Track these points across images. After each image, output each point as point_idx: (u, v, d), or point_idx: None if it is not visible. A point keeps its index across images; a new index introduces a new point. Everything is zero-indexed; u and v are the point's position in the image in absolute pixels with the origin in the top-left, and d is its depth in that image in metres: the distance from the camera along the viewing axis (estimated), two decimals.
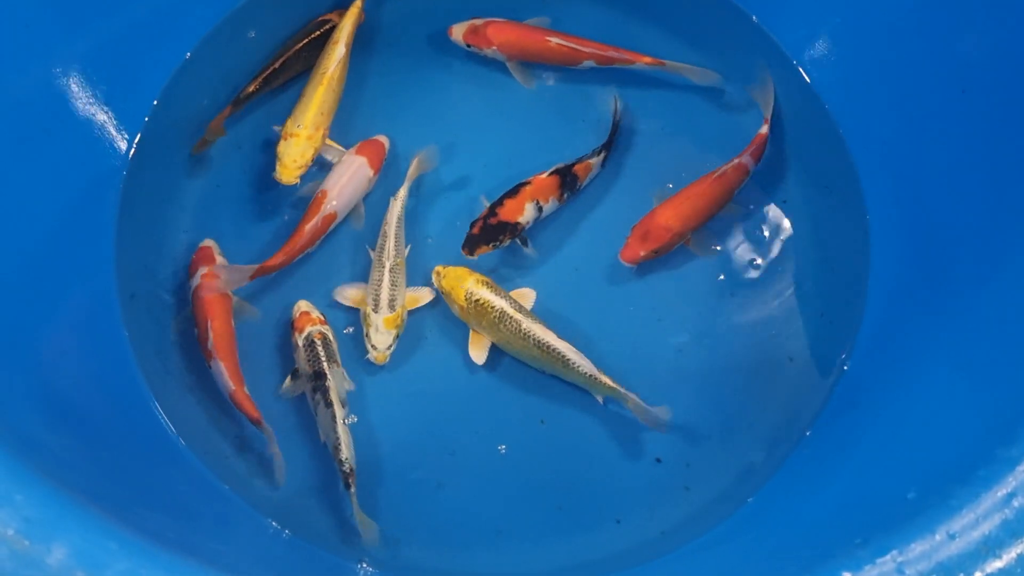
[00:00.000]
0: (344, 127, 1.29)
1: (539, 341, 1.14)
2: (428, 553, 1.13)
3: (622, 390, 1.14)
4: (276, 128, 1.26)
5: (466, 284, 1.17)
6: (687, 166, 1.28)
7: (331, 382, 1.13)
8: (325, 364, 1.13)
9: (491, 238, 1.19)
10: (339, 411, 1.12)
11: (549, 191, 1.22)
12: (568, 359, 1.14)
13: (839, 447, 1.11)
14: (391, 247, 1.20)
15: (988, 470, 0.81)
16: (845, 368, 1.20)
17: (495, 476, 1.16)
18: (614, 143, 1.28)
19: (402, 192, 1.23)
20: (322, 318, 1.18)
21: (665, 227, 1.20)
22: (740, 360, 1.21)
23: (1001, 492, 0.79)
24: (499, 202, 1.21)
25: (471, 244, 1.19)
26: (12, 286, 1.06)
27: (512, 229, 1.20)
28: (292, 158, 1.21)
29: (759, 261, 1.25)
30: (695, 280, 1.24)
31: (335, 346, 1.16)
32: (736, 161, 1.23)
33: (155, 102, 1.28)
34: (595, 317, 1.22)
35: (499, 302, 1.16)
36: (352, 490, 1.09)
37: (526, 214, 1.20)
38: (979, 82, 1.13)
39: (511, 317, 1.16)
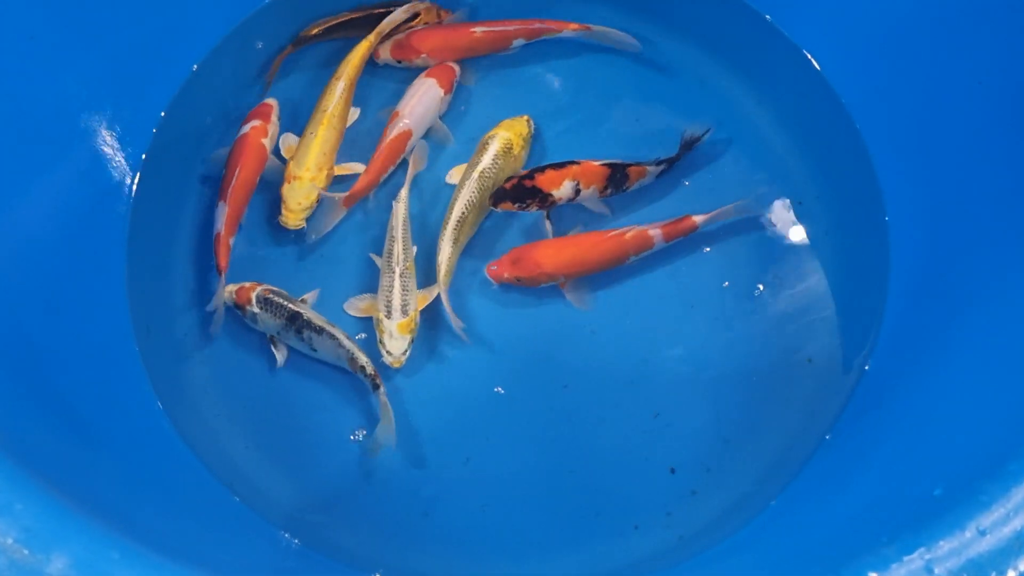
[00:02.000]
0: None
1: (451, 206, 1.20)
2: (444, 562, 1.11)
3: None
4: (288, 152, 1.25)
5: (501, 131, 1.24)
6: (721, 178, 1.28)
7: (308, 314, 1.14)
8: (292, 304, 1.15)
9: (519, 198, 1.19)
10: (332, 329, 1.14)
11: (593, 179, 1.21)
12: (440, 246, 1.18)
13: (863, 446, 1.09)
14: (399, 251, 1.18)
15: (1019, 464, 0.79)
16: (866, 368, 1.17)
17: (511, 484, 1.14)
18: (679, 160, 1.25)
19: (403, 193, 1.22)
20: (255, 283, 1.18)
21: (536, 263, 1.17)
22: (759, 362, 1.19)
23: None
24: (541, 169, 1.20)
25: (497, 196, 1.19)
26: (20, 296, 1.05)
27: (543, 198, 1.19)
28: (296, 201, 1.19)
29: (777, 262, 1.23)
30: (713, 281, 1.22)
31: (286, 292, 1.18)
32: (643, 229, 1.19)
33: (163, 114, 1.28)
34: (612, 317, 1.21)
35: (485, 160, 1.22)
36: (381, 388, 1.12)
37: (562, 190, 1.19)
38: (996, 73, 1.11)
39: (471, 175, 1.21)
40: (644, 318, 1.21)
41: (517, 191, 1.19)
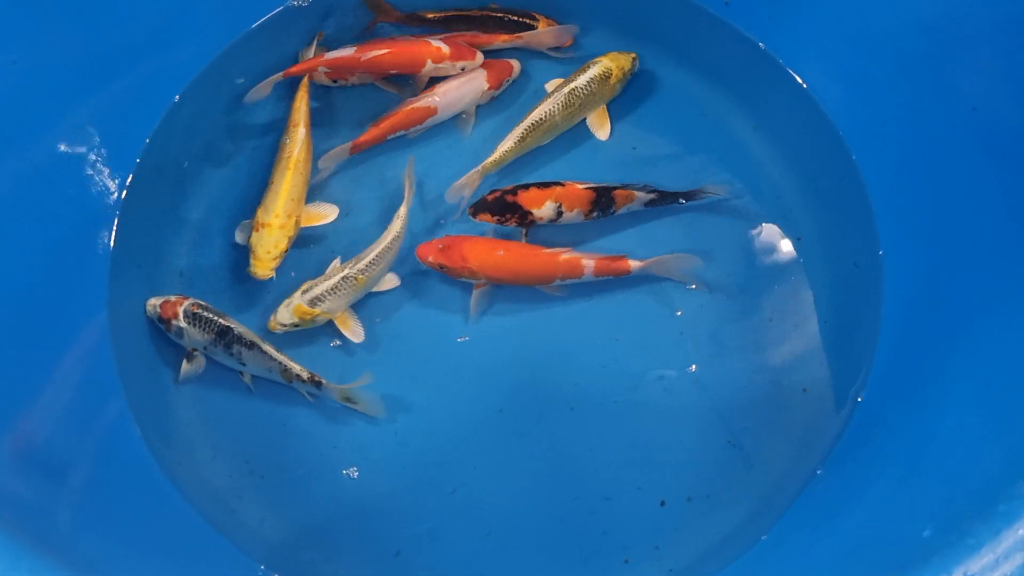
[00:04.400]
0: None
1: (532, 109, 1.26)
2: None
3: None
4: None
5: (604, 59, 1.29)
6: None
7: (238, 328, 1.14)
8: (222, 320, 1.15)
9: (497, 211, 1.20)
10: (261, 343, 1.14)
11: (577, 202, 1.21)
12: (504, 138, 1.24)
13: (854, 481, 1.07)
14: (367, 260, 1.18)
15: (1008, 505, 0.77)
16: (859, 399, 1.16)
17: (498, 517, 1.12)
18: (674, 200, 1.24)
19: (403, 210, 1.21)
20: (183, 296, 1.17)
21: (462, 256, 1.17)
22: (754, 392, 1.17)
23: (1023, 529, 0.74)
24: (526, 186, 1.21)
25: (478, 206, 1.21)
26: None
27: (523, 215, 1.20)
28: (266, 249, 1.17)
29: (773, 291, 1.22)
30: (708, 309, 1.21)
31: (212, 306, 1.17)
32: (578, 257, 1.18)
33: (147, 141, 1.27)
34: (605, 346, 1.19)
35: (580, 80, 1.27)
36: (324, 383, 1.13)
37: (543, 210, 1.20)
38: (989, 100, 1.10)
39: (561, 90, 1.26)
40: (635, 347, 1.19)
41: (498, 204, 1.20)
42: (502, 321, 1.20)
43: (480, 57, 1.30)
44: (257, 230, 1.18)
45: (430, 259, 1.18)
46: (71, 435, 1.05)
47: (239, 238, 1.22)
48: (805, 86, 1.31)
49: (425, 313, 1.21)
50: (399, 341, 1.19)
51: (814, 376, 1.18)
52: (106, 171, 1.23)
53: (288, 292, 1.18)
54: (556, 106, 1.25)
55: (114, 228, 1.23)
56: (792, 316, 1.21)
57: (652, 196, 1.22)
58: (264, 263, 1.17)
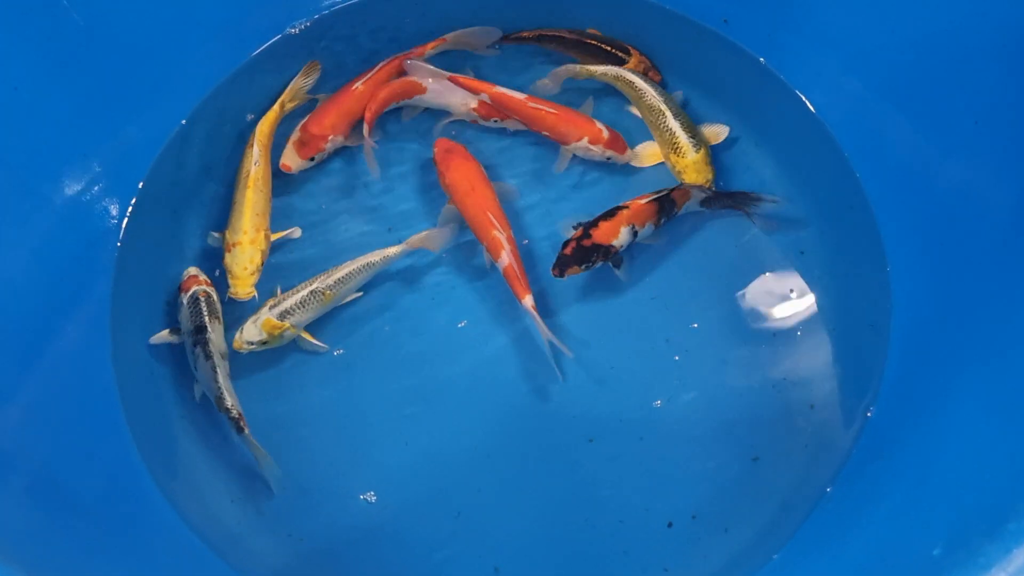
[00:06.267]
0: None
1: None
2: None
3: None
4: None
5: (692, 150, 1.24)
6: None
7: (211, 335, 1.14)
8: (206, 319, 1.15)
9: (583, 259, 1.17)
10: (219, 363, 1.13)
11: (646, 216, 1.20)
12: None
13: (865, 499, 1.06)
14: (337, 276, 1.18)
15: (1019, 523, 0.76)
16: (869, 415, 1.15)
17: (503, 540, 1.12)
18: (725, 204, 1.24)
19: (395, 250, 1.21)
20: (208, 281, 1.19)
21: (447, 167, 1.24)
22: (761, 411, 1.16)
23: None
24: (594, 223, 1.18)
25: (561, 264, 1.17)
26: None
27: (605, 251, 1.18)
28: (242, 266, 1.18)
29: (780, 308, 1.22)
30: (714, 327, 1.20)
31: (219, 307, 1.17)
32: (501, 245, 1.18)
33: (150, 167, 1.28)
34: (612, 363, 1.19)
35: (658, 98, 1.27)
36: (246, 431, 1.10)
37: (621, 237, 1.18)
38: (991, 112, 1.09)
39: (643, 81, 1.29)
40: (645, 361, 1.19)
41: (578, 253, 1.17)
42: (509, 344, 1.20)
43: (630, 154, 1.28)
44: (229, 250, 1.20)
45: (436, 149, 1.26)
46: (73, 465, 1.05)
47: (212, 241, 1.24)
48: (806, 101, 1.31)
49: (428, 317, 1.22)
50: (402, 355, 1.20)
51: (822, 393, 1.17)
52: (109, 197, 1.24)
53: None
54: (618, 72, 1.30)
55: (117, 250, 1.24)
56: (798, 333, 1.20)
57: (707, 194, 1.22)
58: (243, 280, 1.18)
